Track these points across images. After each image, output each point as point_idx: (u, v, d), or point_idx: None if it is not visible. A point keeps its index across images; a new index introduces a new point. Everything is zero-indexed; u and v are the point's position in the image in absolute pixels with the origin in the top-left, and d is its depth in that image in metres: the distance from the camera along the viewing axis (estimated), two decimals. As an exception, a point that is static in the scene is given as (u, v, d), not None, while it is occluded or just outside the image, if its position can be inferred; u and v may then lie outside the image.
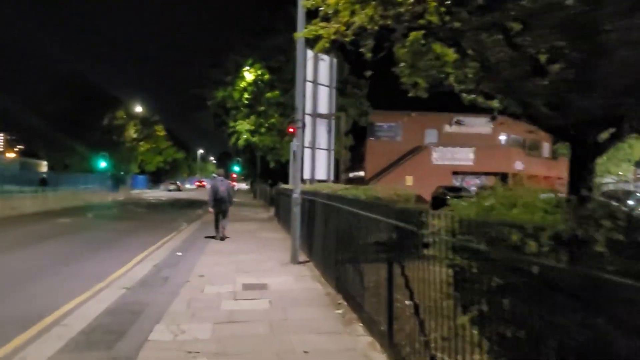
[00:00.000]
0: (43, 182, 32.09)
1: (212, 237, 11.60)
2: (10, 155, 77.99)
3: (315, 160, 12.83)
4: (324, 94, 13.19)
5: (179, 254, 9.30)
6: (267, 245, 10.79)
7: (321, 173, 13.13)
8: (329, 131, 13.28)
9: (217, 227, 11.62)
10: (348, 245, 5.73)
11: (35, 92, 41.89)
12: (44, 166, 50.66)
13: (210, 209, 11.85)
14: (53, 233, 12.87)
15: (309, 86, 12.93)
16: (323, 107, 13.10)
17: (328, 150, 13.33)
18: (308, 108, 12.88)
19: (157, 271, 7.56)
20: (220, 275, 7.26)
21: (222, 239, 11.42)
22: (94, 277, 7.17)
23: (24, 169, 50.32)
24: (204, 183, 76.58)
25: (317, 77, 13.09)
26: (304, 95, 9.04)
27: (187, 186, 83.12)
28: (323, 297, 6.07)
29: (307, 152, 12.96)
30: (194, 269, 7.72)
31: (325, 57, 13.54)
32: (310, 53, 13.12)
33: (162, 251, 9.71)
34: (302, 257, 8.66)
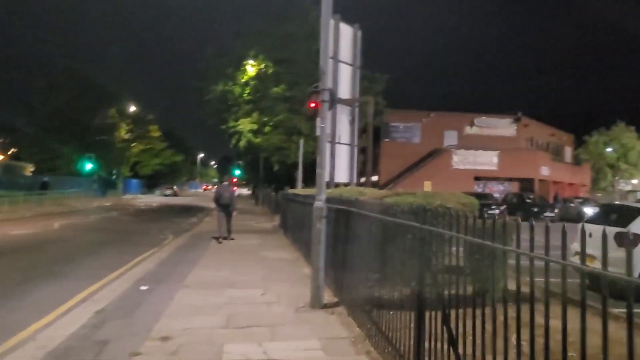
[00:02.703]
0: (44, 186, 29.32)
1: (216, 238, 11.78)
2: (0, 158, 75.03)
3: (335, 158, 9.94)
4: (345, 74, 10.34)
5: (144, 288, 6.38)
6: (273, 271, 7.86)
7: (342, 174, 10.24)
8: (352, 121, 10.39)
9: (219, 228, 11.98)
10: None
11: (23, 91, 39.12)
12: (30, 169, 47.86)
13: (215, 212, 12.51)
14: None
15: (330, 62, 10.09)
16: (344, 91, 10.23)
17: (351, 145, 10.44)
18: (326, 90, 10.04)
19: (95, 326, 4.65)
20: (198, 336, 4.34)
21: (224, 239, 11.76)
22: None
23: (8, 172, 47.53)
24: (210, 187, 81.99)
25: (338, 52, 10.24)
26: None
27: (192, 190, 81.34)
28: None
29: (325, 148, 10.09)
30: (159, 321, 4.80)
31: (348, 28, 10.72)
32: (330, 22, 10.35)
33: (121, 282, 6.79)
34: (327, 294, 5.76)
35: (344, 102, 10.13)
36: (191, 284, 6.69)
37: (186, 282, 6.81)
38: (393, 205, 4.18)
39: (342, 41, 10.34)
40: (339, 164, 10.07)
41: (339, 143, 10.10)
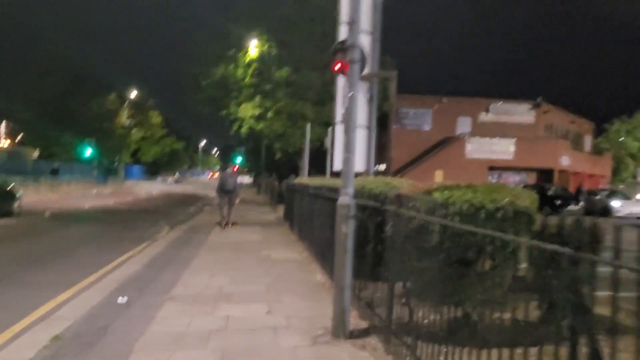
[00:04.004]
0: (54, 172, 30.17)
1: (219, 224, 12.08)
2: (5, 143, 73.90)
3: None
4: (364, 44, 8.91)
5: (123, 300, 5.10)
6: (279, 277, 6.58)
7: (358, 162, 8.85)
8: (371, 100, 9.00)
9: (222, 215, 12.13)
10: None
11: (22, 75, 37.79)
12: (32, 154, 46.84)
13: (217, 199, 12.42)
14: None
15: (344, 31, 8.69)
16: (363, 65, 8.83)
17: (368, 128, 9.06)
18: (342, 64, 8.65)
19: (40, 366, 3.39)
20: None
21: (227, 224, 11.96)
22: None
23: (14, 158, 46.60)
24: (216, 175, 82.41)
25: (357, 19, 8.82)
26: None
27: (194, 178, 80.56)
28: None
29: (340, 131, 8.74)
30: (129, 357, 3.54)
31: (367, -9, 9.28)
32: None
33: (96, 291, 5.53)
34: (353, 316, 4.46)
35: (362, 77, 8.73)
36: (179, 295, 5.42)
37: (173, 292, 5.54)
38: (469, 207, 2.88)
39: (361, 6, 8.89)
40: (356, 150, 8.72)
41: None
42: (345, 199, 4.08)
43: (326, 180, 7.92)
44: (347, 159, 4.16)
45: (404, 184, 6.14)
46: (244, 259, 7.93)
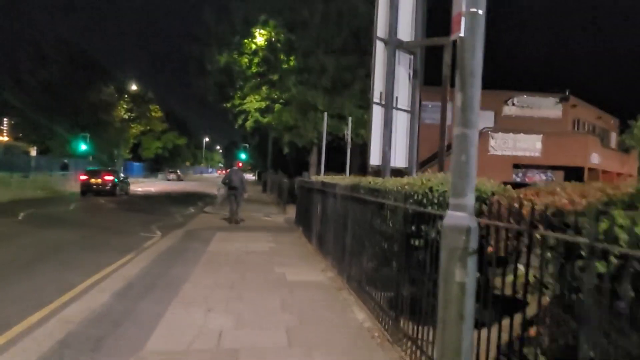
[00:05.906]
0: (64, 168, 31.36)
1: (227, 220, 12.19)
2: (3, 139, 72.34)
3: (391, 131, 6.66)
4: (406, 7, 6.98)
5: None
6: (304, 316, 4.66)
7: (399, 155, 6.95)
8: (415, 76, 7.07)
9: (230, 210, 12.14)
10: None
11: (15, 63, 35.99)
12: (33, 150, 45.28)
13: (221, 191, 12.86)
14: None
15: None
16: (404, 30, 6.89)
17: (411, 112, 7.13)
18: (380, 28, 6.70)
19: None
20: None
21: (237, 222, 11.91)
22: None
23: (8, 153, 45.09)
24: (226, 171, 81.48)
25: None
26: None
27: (197, 175, 78.66)
28: None
29: (377, 114, 6.80)
30: None
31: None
32: None
33: (33, 344, 3.64)
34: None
35: (405, 46, 6.79)
36: (155, 353, 3.52)
37: (147, 347, 3.64)
38: None
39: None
40: (396, 139, 6.81)
41: (396, 108, 6.81)
42: (461, 217, 2.12)
43: (363, 179, 6.01)
44: (464, 137, 2.19)
45: (487, 186, 4.28)
46: (252, 280, 6.04)
